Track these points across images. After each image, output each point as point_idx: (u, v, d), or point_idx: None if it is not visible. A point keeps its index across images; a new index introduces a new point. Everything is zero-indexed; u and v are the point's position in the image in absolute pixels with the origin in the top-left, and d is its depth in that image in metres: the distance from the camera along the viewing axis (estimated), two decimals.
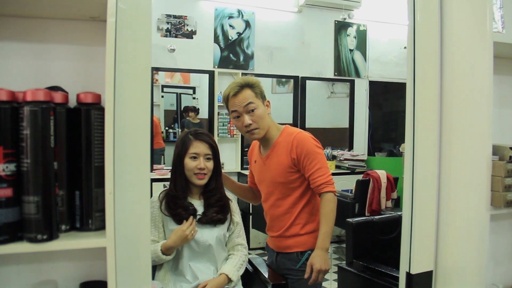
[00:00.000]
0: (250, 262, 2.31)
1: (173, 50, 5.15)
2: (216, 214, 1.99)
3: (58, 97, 0.96)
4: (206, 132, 2.09)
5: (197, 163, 1.95)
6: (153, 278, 1.93)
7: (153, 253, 1.85)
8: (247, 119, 2.02)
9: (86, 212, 0.99)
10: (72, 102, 1.01)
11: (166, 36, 5.17)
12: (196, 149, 1.96)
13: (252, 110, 2.02)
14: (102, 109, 0.98)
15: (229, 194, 2.16)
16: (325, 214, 2.01)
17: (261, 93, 2.08)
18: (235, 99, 2.04)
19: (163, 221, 1.97)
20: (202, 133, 2.04)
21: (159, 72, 5.45)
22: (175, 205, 1.95)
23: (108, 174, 0.94)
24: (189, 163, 1.96)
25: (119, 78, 1.00)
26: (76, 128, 0.98)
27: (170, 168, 2.07)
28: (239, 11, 5.51)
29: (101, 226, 0.99)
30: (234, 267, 2.00)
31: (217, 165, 2.04)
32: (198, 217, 1.96)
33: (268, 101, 2.12)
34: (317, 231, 2.11)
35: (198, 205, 2.00)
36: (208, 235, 1.95)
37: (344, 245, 2.91)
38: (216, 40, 5.42)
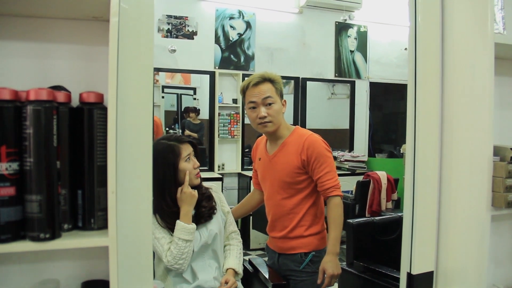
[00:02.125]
0: (250, 262, 2.32)
1: (174, 50, 5.16)
2: (206, 207, 1.98)
3: (61, 97, 0.96)
4: (179, 135, 2.08)
5: (192, 163, 1.94)
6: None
7: (186, 234, 1.82)
8: (263, 111, 2.02)
9: (89, 211, 0.99)
10: (75, 102, 1.01)
11: (167, 36, 5.18)
12: (186, 150, 1.94)
13: (270, 104, 2.03)
14: (104, 109, 0.99)
15: (209, 184, 2.15)
16: (334, 219, 2.02)
17: (281, 90, 2.10)
18: (254, 89, 2.05)
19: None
20: (180, 136, 2.04)
21: (160, 73, 5.45)
22: (175, 222, 1.88)
23: (111, 173, 0.94)
24: (186, 166, 1.92)
25: (122, 78, 1.00)
26: (79, 127, 0.98)
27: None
28: (240, 12, 5.52)
29: (103, 225, 0.99)
30: (236, 259, 2.03)
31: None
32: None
33: (284, 100, 2.13)
34: (321, 233, 2.12)
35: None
36: (205, 234, 1.95)
37: (344, 246, 2.91)
38: (217, 41, 5.43)
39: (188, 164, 1.93)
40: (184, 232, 1.82)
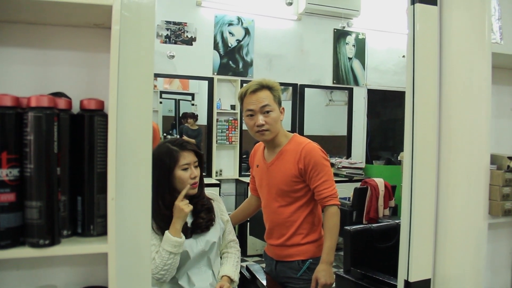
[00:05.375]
0: (247, 268, 2.31)
1: (173, 56, 5.17)
2: (204, 219, 1.96)
3: (61, 103, 0.97)
4: (187, 140, 2.05)
5: (190, 172, 1.90)
6: None
7: (170, 246, 1.78)
8: (260, 119, 2.01)
9: (88, 218, 0.99)
10: (76, 108, 1.02)
11: (165, 42, 5.19)
12: (186, 159, 1.90)
13: (267, 112, 2.02)
14: (105, 116, 0.99)
15: (211, 194, 2.12)
16: (330, 228, 2.01)
17: (279, 98, 2.08)
18: (252, 96, 2.03)
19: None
20: (186, 142, 1.99)
21: (158, 78, 5.46)
22: (167, 225, 1.86)
23: (111, 180, 0.94)
24: (182, 174, 1.90)
25: (122, 85, 1.01)
26: (79, 134, 0.99)
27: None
28: (239, 19, 5.54)
29: (102, 232, 0.99)
30: (233, 266, 2.01)
31: (201, 171, 2.01)
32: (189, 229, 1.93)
33: (283, 108, 2.11)
34: (319, 240, 2.12)
35: (188, 216, 1.95)
36: (203, 242, 1.94)
37: (341, 253, 2.91)
38: (215, 47, 5.45)
39: (185, 172, 1.90)
40: (169, 244, 1.79)
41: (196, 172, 1.94)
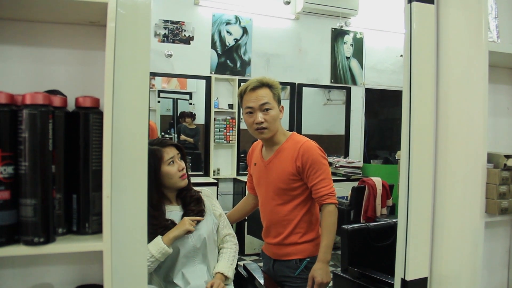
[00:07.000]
0: (245, 267, 2.31)
1: (170, 55, 5.16)
2: (193, 211, 1.97)
3: (57, 101, 0.97)
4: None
5: (177, 165, 1.93)
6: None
7: (156, 250, 1.78)
8: (260, 116, 2.01)
9: (83, 216, 0.99)
10: (71, 106, 1.02)
11: (163, 41, 5.18)
12: (169, 154, 1.93)
13: (267, 110, 2.02)
14: (100, 113, 0.99)
15: (202, 190, 2.13)
16: (327, 226, 2.01)
17: (278, 96, 2.08)
18: (252, 94, 2.03)
19: None
20: (165, 139, 2.02)
21: (156, 77, 5.45)
22: (153, 227, 1.86)
23: (106, 177, 0.94)
24: (170, 169, 1.92)
25: (118, 83, 1.01)
26: (74, 131, 0.98)
27: None
28: (237, 18, 5.54)
29: (97, 230, 0.99)
30: (227, 262, 2.00)
31: (186, 163, 2.03)
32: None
33: (282, 106, 2.12)
34: (316, 239, 2.11)
35: (179, 210, 1.98)
36: (194, 237, 1.94)
37: (339, 252, 2.91)
38: (213, 46, 5.44)
39: (172, 167, 1.92)
40: (156, 248, 1.79)
41: (182, 164, 1.95)
